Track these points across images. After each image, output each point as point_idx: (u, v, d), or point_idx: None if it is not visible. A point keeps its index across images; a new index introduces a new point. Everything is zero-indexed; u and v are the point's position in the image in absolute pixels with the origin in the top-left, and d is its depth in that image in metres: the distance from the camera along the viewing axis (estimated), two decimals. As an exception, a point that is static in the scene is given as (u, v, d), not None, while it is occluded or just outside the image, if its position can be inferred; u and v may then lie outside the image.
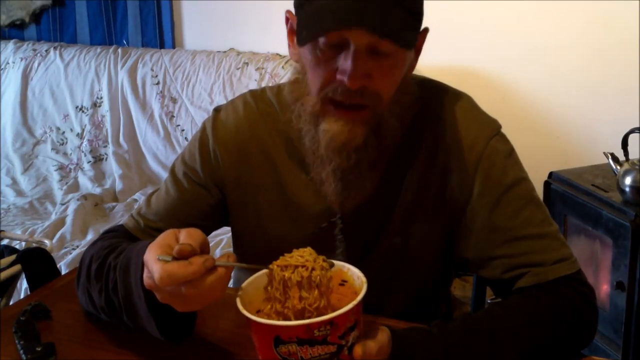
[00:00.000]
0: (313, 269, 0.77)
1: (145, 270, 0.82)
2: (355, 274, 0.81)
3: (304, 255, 0.79)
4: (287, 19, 1.00)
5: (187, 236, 0.81)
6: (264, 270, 0.80)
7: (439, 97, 1.05)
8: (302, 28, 0.92)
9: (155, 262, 0.78)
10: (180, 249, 0.78)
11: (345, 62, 0.89)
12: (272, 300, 0.78)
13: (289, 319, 0.76)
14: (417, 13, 0.93)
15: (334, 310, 0.74)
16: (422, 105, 1.03)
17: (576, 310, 0.96)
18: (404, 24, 0.89)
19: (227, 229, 1.16)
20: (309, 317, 0.76)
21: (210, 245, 0.84)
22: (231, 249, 1.16)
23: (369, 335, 0.79)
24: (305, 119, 0.98)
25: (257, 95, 1.11)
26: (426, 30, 0.98)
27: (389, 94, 0.95)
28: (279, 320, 0.77)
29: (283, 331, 0.73)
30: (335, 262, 0.82)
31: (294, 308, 0.76)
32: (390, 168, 1.03)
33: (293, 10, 0.97)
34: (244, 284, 0.81)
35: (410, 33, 0.92)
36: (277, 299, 0.78)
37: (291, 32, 1.00)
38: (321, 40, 0.90)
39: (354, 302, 0.74)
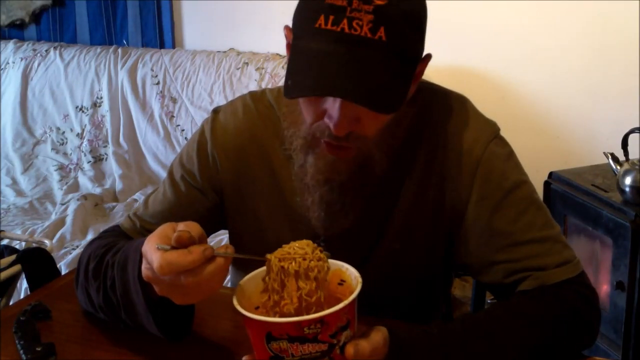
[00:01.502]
0: (311, 259, 0.78)
1: (144, 262, 0.81)
2: (353, 274, 0.81)
3: (302, 246, 0.79)
4: (286, 36, 0.98)
5: (185, 227, 0.80)
6: (263, 268, 0.80)
7: (435, 100, 1.04)
8: (289, 75, 0.89)
9: (154, 252, 0.78)
10: (179, 235, 0.77)
11: (332, 107, 0.87)
12: (270, 292, 0.79)
13: (286, 312, 0.76)
14: (414, 58, 0.90)
15: (331, 307, 0.74)
16: (418, 109, 1.02)
17: (577, 311, 0.95)
18: (391, 80, 0.85)
19: (228, 229, 1.16)
20: (306, 307, 0.76)
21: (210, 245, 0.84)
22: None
23: (363, 335, 0.78)
24: (297, 146, 0.97)
25: (256, 97, 1.11)
26: (428, 56, 0.94)
27: (376, 135, 0.93)
28: (275, 315, 0.77)
29: (274, 327, 0.73)
30: (334, 261, 0.82)
31: (292, 298, 0.77)
32: (388, 176, 1.01)
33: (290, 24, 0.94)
34: (242, 281, 0.82)
35: (398, 91, 0.87)
36: (275, 290, 0.78)
37: (289, 47, 0.96)
38: None
39: (346, 302, 0.74)
